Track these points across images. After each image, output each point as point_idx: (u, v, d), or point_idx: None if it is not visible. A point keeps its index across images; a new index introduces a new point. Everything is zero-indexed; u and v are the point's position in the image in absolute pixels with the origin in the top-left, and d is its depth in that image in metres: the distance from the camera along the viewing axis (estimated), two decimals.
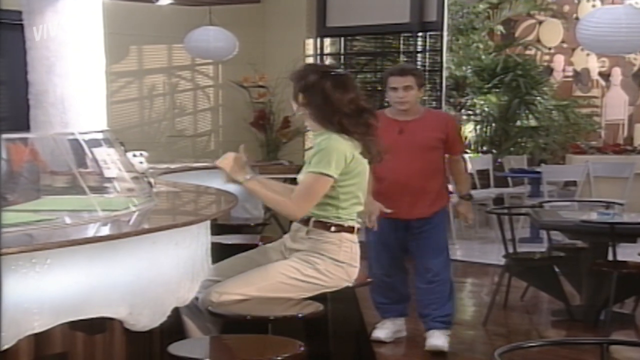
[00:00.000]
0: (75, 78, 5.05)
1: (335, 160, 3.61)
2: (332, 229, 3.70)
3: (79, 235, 2.98)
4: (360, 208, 3.80)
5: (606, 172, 8.92)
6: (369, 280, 4.10)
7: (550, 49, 13.30)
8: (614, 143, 11.82)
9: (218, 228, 4.38)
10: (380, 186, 4.95)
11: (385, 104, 9.59)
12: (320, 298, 3.65)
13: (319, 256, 3.67)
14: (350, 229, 3.75)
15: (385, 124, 4.95)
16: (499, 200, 9.44)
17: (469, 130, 11.45)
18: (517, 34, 13.13)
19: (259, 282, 3.60)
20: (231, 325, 3.56)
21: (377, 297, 5.20)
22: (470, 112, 11.65)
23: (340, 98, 3.67)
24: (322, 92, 3.68)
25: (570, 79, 13.38)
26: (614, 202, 6.72)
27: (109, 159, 3.61)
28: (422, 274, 5.05)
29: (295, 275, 3.63)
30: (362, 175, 3.75)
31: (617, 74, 13.34)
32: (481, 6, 11.94)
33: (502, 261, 6.03)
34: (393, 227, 5.03)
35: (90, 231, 3.11)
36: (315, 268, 3.66)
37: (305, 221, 3.72)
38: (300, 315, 3.45)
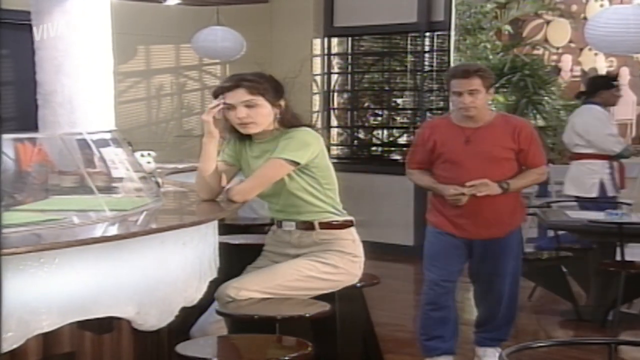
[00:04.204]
0: (84, 78, 5.06)
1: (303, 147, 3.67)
2: (340, 225, 3.75)
3: (87, 235, 2.99)
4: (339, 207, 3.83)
5: None
6: (375, 281, 4.09)
7: (558, 48, 13.26)
8: None
9: (225, 228, 4.38)
10: (443, 201, 4.50)
11: (393, 104, 9.67)
12: (327, 298, 3.66)
13: (337, 253, 3.72)
14: (352, 222, 3.82)
15: (450, 132, 4.51)
16: None
17: None
18: (524, 34, 13.10)
19: (277, 279, 3.63)
20: (239, 325, 3.57)
21: (424, 329, 4.64)
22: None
23: None
24: None
25: (578, 79, 13.34)
26: (622, 202, 6.70)
27: (116, 158, 3.62)
28: (484, 297, 4.66)
29: (311, 273, 3.66)
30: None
31: (625, 73, 13.28)
32: (489, 6, 11.92)
33: None
34: (455, 244, 4.53)
35: (98, 231, 3.11)
36: (332, 264, 3.70)
37: (309, 226, 3.73)
38: (307, 315, 3.46)
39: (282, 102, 3.72)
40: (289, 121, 3.72)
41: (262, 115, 3.67)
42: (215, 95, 3.74)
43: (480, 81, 4.37)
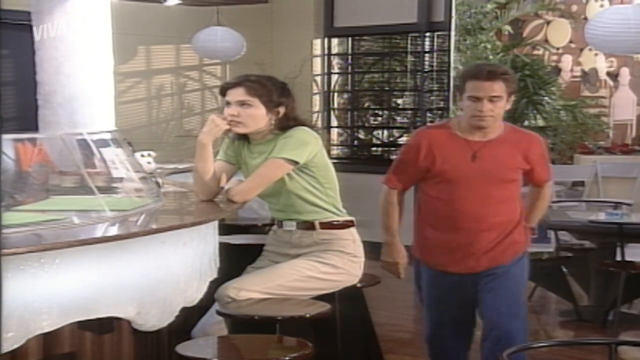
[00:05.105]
0: (84, 78, 5.06)
1: (302, 145, 3.67)
2: (340, 225, 3.75)
3: (88, 235, 2.99)
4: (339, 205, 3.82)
5: (614, 172, 8.90)
6: (375, 281, 4.09)
7: (558, 49, 13.26)
8: (622, 143, 11.79)
9: (226, 228, 4.38)
10: (439, 228, 3.78)
11: (393, 104, 9.67)
12: (328, 298, 3.66)
13: (337, 253, 3.72)
14: (352, 223, 3.82)
15: (453, 145, 3.75)
16: None
17: None
18: (525, 34, 13.10)
19: (277, 279, 3.63)
20: (239, 325, 3.57)
21: None
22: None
23: None
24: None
25: (578, 79, 13.34)
26: (622, 202, 6.70)
27: (117, 159, 3.62)
28: (493, 342, 3.72)
29: (311, 273, 3.67)
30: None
31: (625, 74, 13.29)
32: (489, 6, 11.92)
33: None
34: (456, 284, 3.79)
35: (99, 231, 3.11)
36: (332, 265, 3.71)
37: (309, 226, 3.74)
38: (308, 315, 3.46)
39: (281, 109, 3.72)
40: (286, 125, 3.73)
41: (252, 117, 3.68)
42: (221, 92, 3.78)
43: (504, 86, 3.66)
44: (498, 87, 3.64)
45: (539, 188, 3.93)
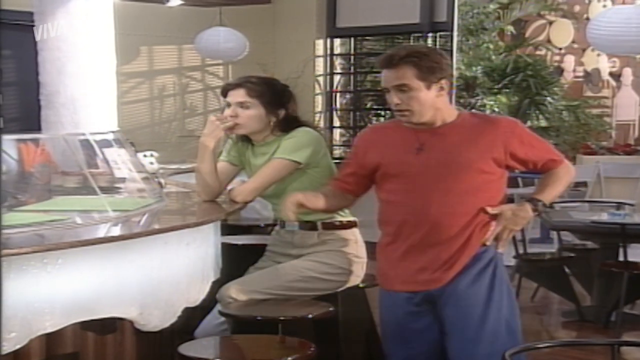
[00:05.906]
0: (86, 79, 5.07)
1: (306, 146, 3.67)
2: (344, 226, 3.75)
3: (90, 236, 2.99)
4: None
5: (617, 173, 8.90)
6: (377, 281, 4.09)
7: (560, 49, 13.27)
8: (624, 143, 11.79)
9: (228, 228, 4.37)
10: (386, 235, 3.22)
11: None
12: (330, 298, 3.66)
13: (339, 254, 3.72)
14: (355, 223, 3.81)
15: (398, 137, 3.17)
16: (509, 201, 9.37)
17: None
18: (527, 34, 13.10)
19: (279, 279, 3.64)
20: (241, 325, 3.57)
21: None
22: (480, 112, 11.63)
23: None
24: None
25: (580, 80, 13.34)
26: (624, 203, 6.70)
27: (119, 159, 3.62)
28: None
29: (313, 274, 3.67)
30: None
31: (627, 74, 13.29)
32: (491, 6, 11.92)
33: (512, 262, 6.01)
34: (411, 304, 3.16)
35: (101, 231, 3.12)
36: (334, 265, 3.71)
37: (312, 226, 3.74)
38: (310, 316, 3.46)
39: (281, 112, 3.72)
40: (288, 127, 3.73)
41: (250, 118, 3.69)
42: (222, 93, 3.79)
43: (414, 72, 3.00)
44: (402, 74, 3.01)
45: (548, 174, 3.26)
